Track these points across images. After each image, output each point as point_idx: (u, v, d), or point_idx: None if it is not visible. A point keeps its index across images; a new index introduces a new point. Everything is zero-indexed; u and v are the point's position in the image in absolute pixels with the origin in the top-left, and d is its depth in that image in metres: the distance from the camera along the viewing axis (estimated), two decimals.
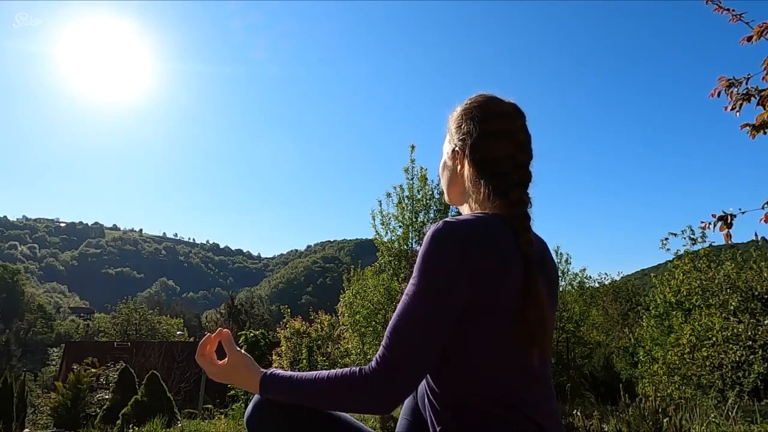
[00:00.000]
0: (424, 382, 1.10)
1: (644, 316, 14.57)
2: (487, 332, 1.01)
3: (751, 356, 9.42)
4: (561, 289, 16.52)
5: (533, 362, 1.02)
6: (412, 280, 1.02)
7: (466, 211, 1.24)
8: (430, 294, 0.99)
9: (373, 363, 1.01)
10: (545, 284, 1.07)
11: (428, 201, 10.17)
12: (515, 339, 1.01)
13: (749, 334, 9.53)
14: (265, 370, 1.14)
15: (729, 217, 2.40)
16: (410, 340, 0.99)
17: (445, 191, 1.31)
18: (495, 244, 1.02)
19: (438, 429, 1.04)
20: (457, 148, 1.22)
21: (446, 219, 1.05)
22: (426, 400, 1.09)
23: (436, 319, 0.99)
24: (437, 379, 1.05)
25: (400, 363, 0.99)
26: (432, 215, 10.21)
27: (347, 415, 1.17)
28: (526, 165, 1.17)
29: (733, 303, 10.12)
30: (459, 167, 1.22)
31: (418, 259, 1.03)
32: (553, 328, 1.11)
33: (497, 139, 1.16)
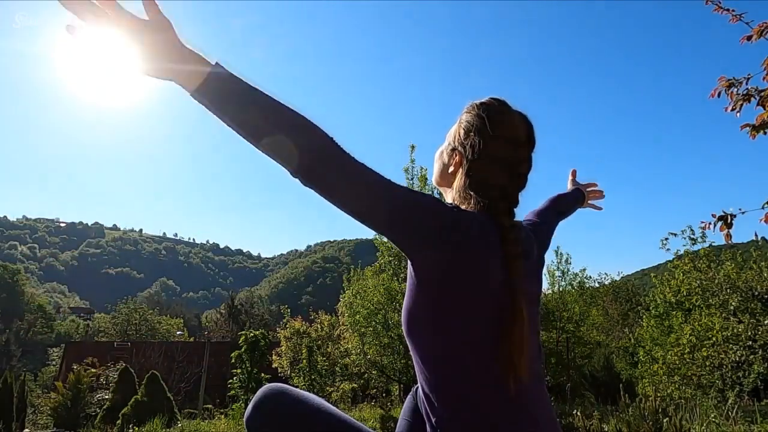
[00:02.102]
0: (421, 382, 1.10)
1: (644, 316, 14.59)
2: (475, 334, 1.02)
3: (751, 356, 9.43)
4: (561, 289, 16.49)
5: (511, 392, 1.01)
6: None
7: (449, 198, 1.24)
8: (405, 189, 1.02)
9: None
10: (529, 307, 1.08)
11: None
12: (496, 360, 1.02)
13: (749, 334, 9.53)
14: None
15: (729, 217, 2.40)
16: (369, 173, 1.00)
17: (434, 174, 1.31)
18: (488, 242, 1.04)
19: (435, 428, 1.04)
20: (456, 152, 1.21)
21: None
22: (424, 399, 1.09)
23: (392, 191, 1.00)
24: (432, 379, 1.05)
25: (350, 165, 0.99)
26: None
27: (347, 416, 1.17)
28: (517, 195, 1.16)
29: (733, 303, 10.13)
30: (452, 169, 1.21)
31: None
32: (535, 352, 1.09)
33: (496, 168, 1.13)
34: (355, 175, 0.99)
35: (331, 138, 0.98)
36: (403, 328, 1.12)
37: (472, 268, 1.02)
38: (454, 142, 1.22)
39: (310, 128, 0.97)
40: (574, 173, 1.94)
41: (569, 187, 1.89)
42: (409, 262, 1.08)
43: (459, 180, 1.18)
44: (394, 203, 1.00)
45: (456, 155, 1.20)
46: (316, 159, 0.97)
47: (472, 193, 1.14)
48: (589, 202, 1.90)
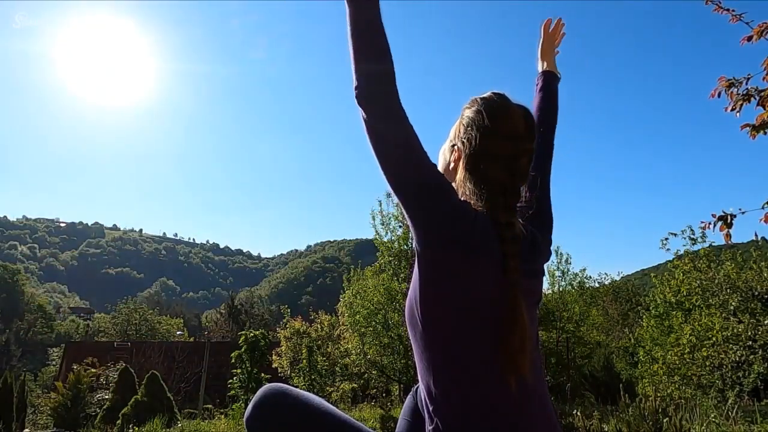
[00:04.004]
0: (421, 374, 1.11)
1: (644, 316, 14.58)
2: (474, 330, 1.03)
3: (751, 356, 9.43)
4: (561, 289, 16.49)
5: (511, 389, 1.02)
6: None
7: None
8: (434, 164, 1.12)
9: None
10: (528, 306, 1.09)
11: None
12: (498, 361, 1.02)
13: (749, 334, 9.53)
14: None
15: (729, 217, 2.40)
16: (414, 134, 1.11)
17: None
18: (488, 239, 1.06)
19: (430, 428, 1.05)
20: (456, 148, 1.21)
21: None
22: (424, 391, 1.10)
23: (426, 159, 1.09)
24: (432, 371, 1.06)
25: (393, 102, 1.11)
26: None
27: (347, 416, 1.17)
28: (517, 190, 1.15)
29: (733, 303, 10.12)
30: (453, 164, 1.22)
31: None
32: (532, 349, 1.08)
33: (494, 162, 1.13)
34: (399, 123, 1.09)
35: (395, 86, 1.12)
36: (406, 318, 1.13)
37: (471, 263, 1.03)
38: (454, 138, 1.23)
39: (388, 66, 1.11)
40: (546, 26, 1.72)
41: (540, 48, 1.70)
42: (415, 253, 1.10)
43: (459, 175, 1.19)
44: (424, 169, 1.07)
45: (456, 151, 1.21)
46: (375, 86, 1.10)
47: (471, 187, 1.15)
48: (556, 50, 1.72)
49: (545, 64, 1.67)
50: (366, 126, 1.10)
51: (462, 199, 1.15)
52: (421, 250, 1.07)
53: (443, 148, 1.29)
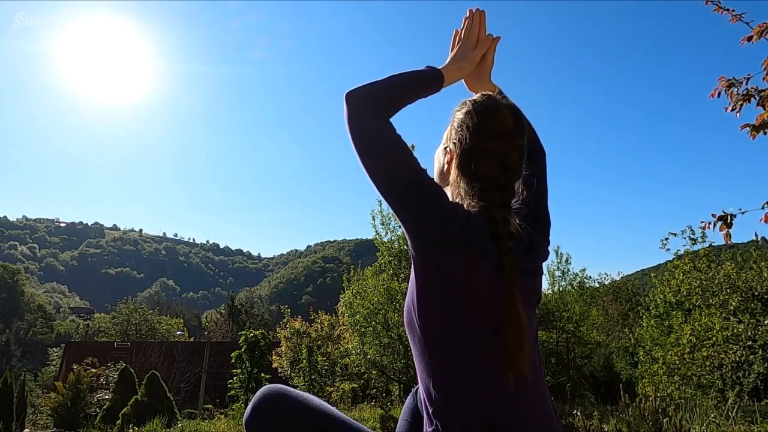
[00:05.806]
0: (420, 374, 1.11)
1: (644, 316, 14.58)
2: (472, 329, 1.04)
3: (751, 356, 9.43)
4: (561, 289, 16.48)
5: (510, 388, 1.02)
6: None
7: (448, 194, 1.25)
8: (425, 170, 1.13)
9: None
10: (526, 303, 1.10)
11: None
12: (497, 358, 1.03)
13: (749, 334, 9.52)
14: (443, 70, 1.30)
15: (729, 217, 2.40)
16: (404, 143, 1.14)
17: (434, 176, 1.32)
18: (482, 237, 1.06)
19: (430, 429, 1.05)
20: (448, 149, 1.23)
21: None
22: (423, 392, 1.10)
23: (418, 166, 1.11)
24: (431, 372, 1.07)
25: (380, 119, 1.13)
26: None
27: (346, 416, 1.18)
28: (511, 186, 1.15)
29: (733, 303, 10.11)
30: (447, 166, 1.24)
31: None
32: (530, 347, 1.07)
33: (485, 159, 1.14)
34: (388, 124, 1.12)
35: (390, 107, 1.15)
36: (405, 322, 1.14)
37: (466, 263, 1.04)
38: (446, 141, 1.25)
39: (387, 105, 1.14)
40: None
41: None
42: (411, 254, 1.11)
43: (452, 175, 1.21)
44: (413, 170, 1.09)
45: (448, 152, 1.23)
46: (374, 91, 1.14)
47: (465, 186, 1.16)
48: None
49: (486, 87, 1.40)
50: (353, 124, 1.09)
51: (456, 200, 1.16)
52: (415, 252, 1.07)
53: (437, 153, 1.31)
